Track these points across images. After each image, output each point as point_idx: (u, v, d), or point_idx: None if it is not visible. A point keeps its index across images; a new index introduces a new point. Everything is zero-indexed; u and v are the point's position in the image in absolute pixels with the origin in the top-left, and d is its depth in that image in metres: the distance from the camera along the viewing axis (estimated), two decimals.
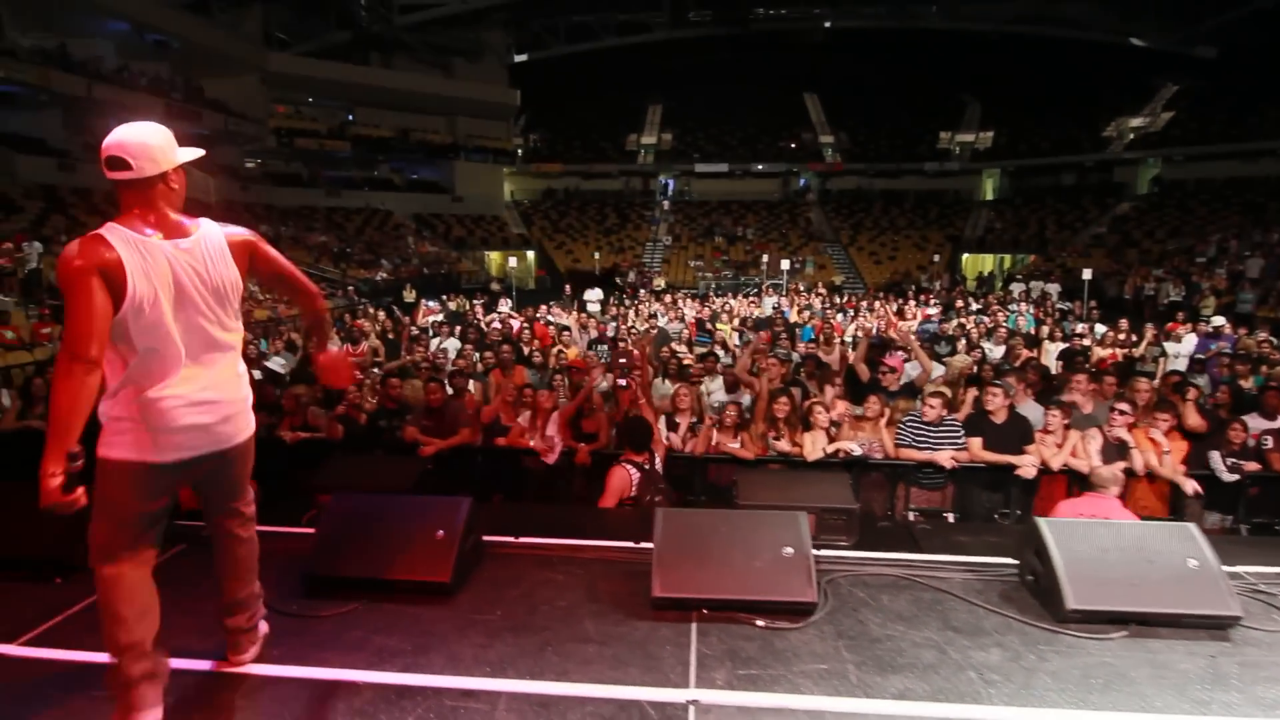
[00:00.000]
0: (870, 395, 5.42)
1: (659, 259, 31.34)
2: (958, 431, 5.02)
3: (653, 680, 2.34)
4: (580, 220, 34.48)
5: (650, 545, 2.91)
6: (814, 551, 2.85)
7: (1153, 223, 27.35)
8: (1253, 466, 4.72)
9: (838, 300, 18.12)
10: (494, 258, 30.93)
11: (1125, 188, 31.33)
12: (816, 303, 16.77)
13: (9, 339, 11.14)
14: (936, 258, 29.88)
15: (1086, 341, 10.19)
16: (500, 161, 34.96)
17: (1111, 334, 10.25)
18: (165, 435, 2.01)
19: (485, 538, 3.25)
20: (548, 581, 3.02)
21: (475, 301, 17.26)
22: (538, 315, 13.38)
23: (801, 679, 2.35)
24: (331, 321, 2.38)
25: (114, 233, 1.93)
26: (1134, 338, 10.30)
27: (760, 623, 2.66)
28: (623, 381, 5.33)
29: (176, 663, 2.34)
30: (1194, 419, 5.07)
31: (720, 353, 8.14)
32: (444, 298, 17.86)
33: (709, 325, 11.96)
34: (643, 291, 22.64)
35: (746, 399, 5.82)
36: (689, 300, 17.58)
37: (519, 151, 36.23)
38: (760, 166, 36.22)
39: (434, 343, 9.89)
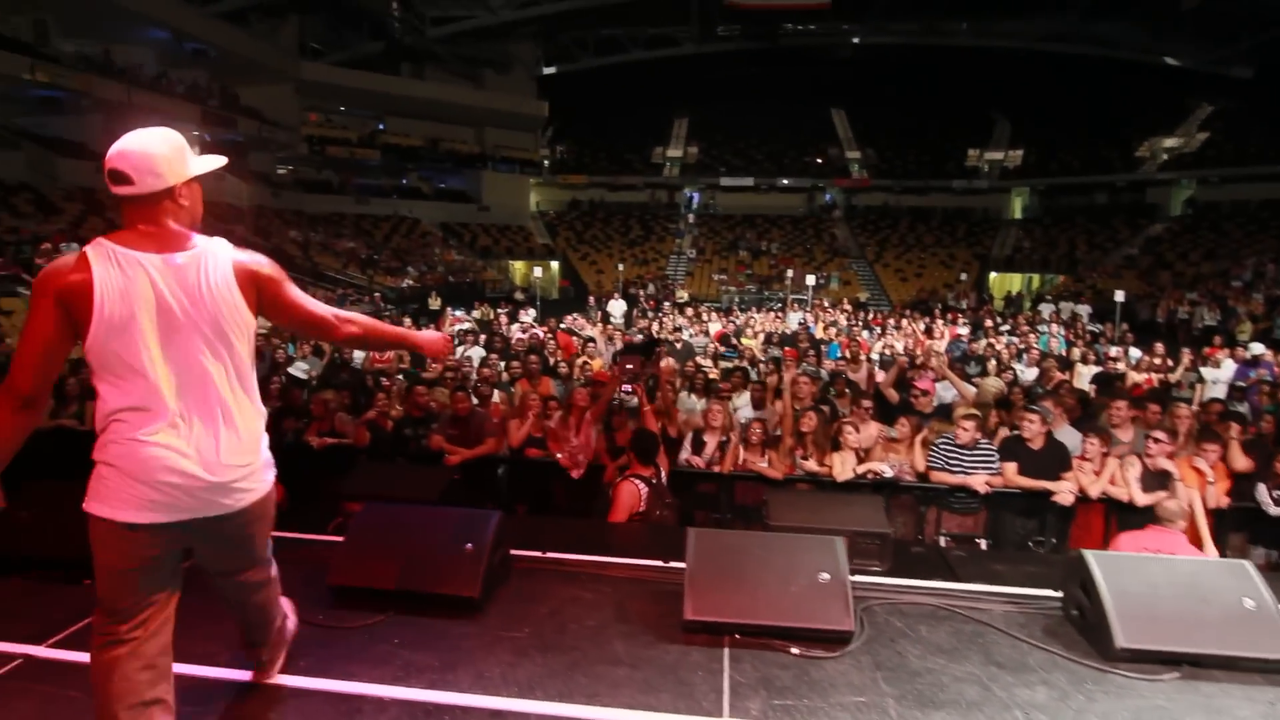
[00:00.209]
0: (901, 417, 5.33)
1: (683, 272, 31.29)
2: (992, 456, 4.91)
3: (686, 708, 2.27)
4: (605, 232, 34.55)
5: (680, 564, 2.85)
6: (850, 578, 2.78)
7: (1186, 245, 26.83)
8: None
9: (864, 317, 17.92)
10: (518, 267, 31.08)
11: (1158, 209, 30.71)
12: (842, 319, 16.56)
13: None
14: (964, 276, 29.41)
15: (1120, 365, 9.96)
16: (527, 172, 35.23)
17: (1147, 358, 9.95)
18: (142, 489, 1.72)
19: (512, 551, 3.21)
20: (576, 599, 2.97)
21: (500, 310, 17.35)
22: (560, 325, 13.40)
23: (840, 711, 2.27)
24: (374, 329, 2.24)
25: (98, 249, 1.70)
26: (1169, 363, 10.03)
27: (795, 650, 2.58)
28: (628, 388, 5.26)
29: (198, 669, 2.32)
30: (1241, 462, 4.89)
31: (748, 368, 8.06)
32: (472, 306, 17.97)
33: (734, 340, 11.88)
34: (666, 305, 22.60)
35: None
36: (713, 314, 17.49)
37: (545, 162, 36.45)
38: (786, 181, 36.02)
39: (459, 350, 9.92)
